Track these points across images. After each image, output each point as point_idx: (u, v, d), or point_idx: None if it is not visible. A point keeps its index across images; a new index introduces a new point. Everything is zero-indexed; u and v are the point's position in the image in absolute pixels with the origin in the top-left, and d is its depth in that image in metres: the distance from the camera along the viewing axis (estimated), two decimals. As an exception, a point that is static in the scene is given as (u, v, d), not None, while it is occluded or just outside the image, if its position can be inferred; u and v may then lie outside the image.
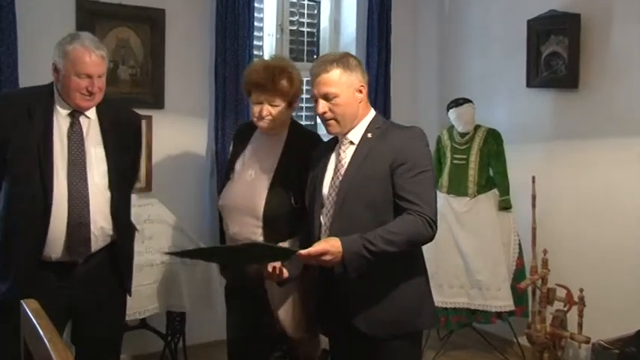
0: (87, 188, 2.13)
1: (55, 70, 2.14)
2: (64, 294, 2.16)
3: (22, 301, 1.39)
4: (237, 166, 2.38)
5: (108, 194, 2.20)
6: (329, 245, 1.79)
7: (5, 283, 2.12)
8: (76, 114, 2.17)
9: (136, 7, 3.28)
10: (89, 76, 2.10)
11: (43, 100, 2.15)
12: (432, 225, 1.86)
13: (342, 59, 1.97)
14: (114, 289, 2.30)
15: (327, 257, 1.78)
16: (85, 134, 2.17)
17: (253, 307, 2.33)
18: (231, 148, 2.53)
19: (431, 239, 1.89)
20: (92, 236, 2.15)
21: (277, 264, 1.99)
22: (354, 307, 1.94)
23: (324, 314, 2.10)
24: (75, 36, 2.15)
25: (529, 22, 3.63)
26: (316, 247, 1.79)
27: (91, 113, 2.21)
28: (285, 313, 2.27)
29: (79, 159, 2.14)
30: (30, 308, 1.34)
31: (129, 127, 2.34)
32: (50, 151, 2.10)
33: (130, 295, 2.39)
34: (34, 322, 1.27)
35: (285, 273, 2.01)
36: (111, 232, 2.22)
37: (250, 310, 2.35)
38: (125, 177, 2.30)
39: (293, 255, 1.86)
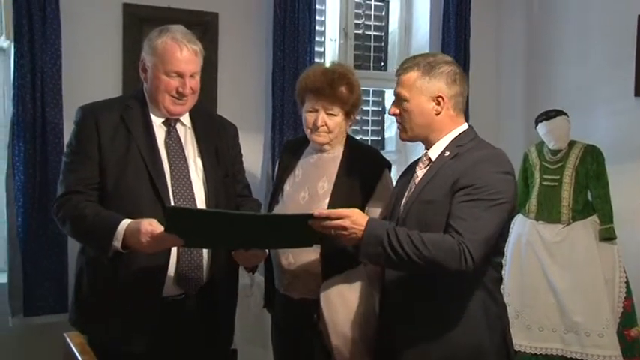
0: (195, 205, 2.07)
1: (143, 69, 2.10)
2: (168, 336, 2.03)
3: (65, 334, 1.39)
4: (287, 186, 2.36)
5: None
6: (351, 212, 1.83)
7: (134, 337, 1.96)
8: (171, 121, 2.13)
9: (187, 10, 3.32)
10: (180, 75, 2.04)
11: (134, 108, 2.09)
12: (468, 259, 1.74)
13: (425, 60, 1.95)
14: (214, 335, 2.17)
15: (346, 223, 1.80)
16: (183, 145, 2.13)
17: (304, 349, 2.29)
18: (277, 165, 2.52)
19: (457, 273, 1.77)
20: (204, 261, 2.07)
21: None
22: (399, 340, 1.91)
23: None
24: (164, 29, 2.08)
25: (641, 16, 3.57)
26: (337, 210, 1.84)
27: (186, 119, 2.16)
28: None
29: (183, 174, 2.08)
30: (74, 342, 1.34)
31: (227, 135, 2.27)
32: (161, 166, 2.04)
33: (230, 346, 2.29)
34: (79, 357, 1.28)
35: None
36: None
37: (301, 354, 2.31)
38: (230, 194, 2.23)
39: (310, 220, 1.84)
